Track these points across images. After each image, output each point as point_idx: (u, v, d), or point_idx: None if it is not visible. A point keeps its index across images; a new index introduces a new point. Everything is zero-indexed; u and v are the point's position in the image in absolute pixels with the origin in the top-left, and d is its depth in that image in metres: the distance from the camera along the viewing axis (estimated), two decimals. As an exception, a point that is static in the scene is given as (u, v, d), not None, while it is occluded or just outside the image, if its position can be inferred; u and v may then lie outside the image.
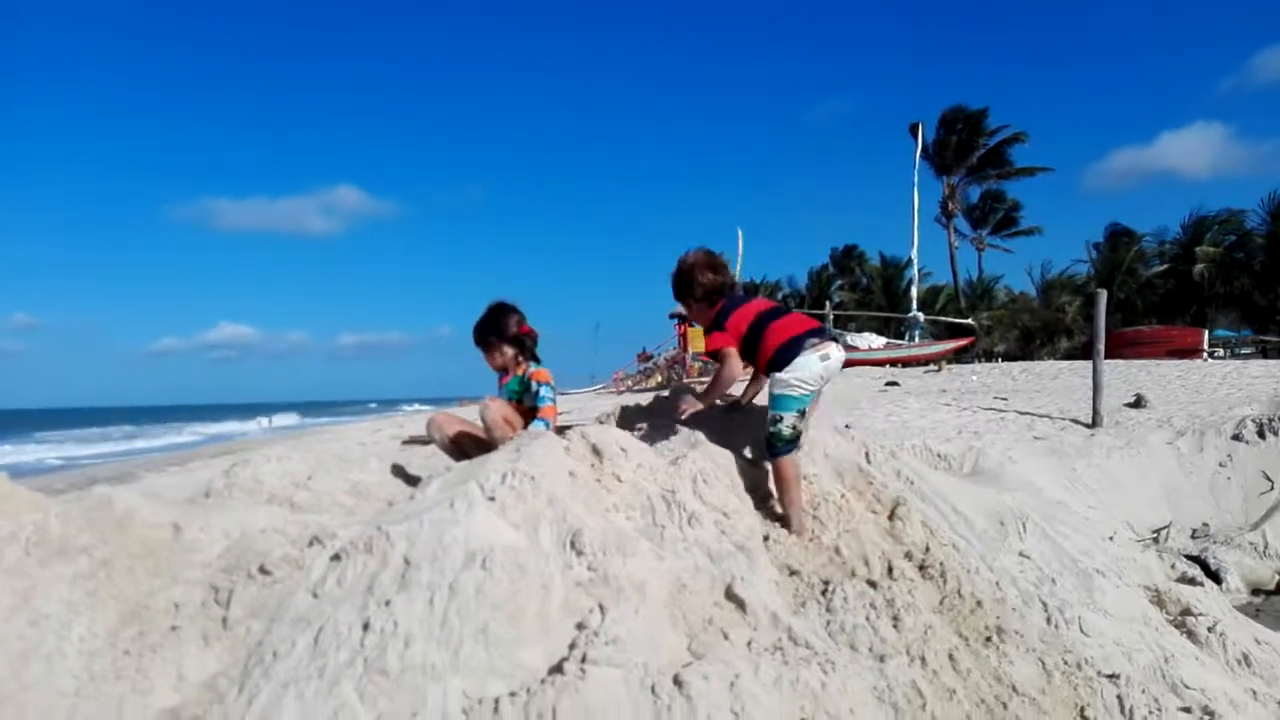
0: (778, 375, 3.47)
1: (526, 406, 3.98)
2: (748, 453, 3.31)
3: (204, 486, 3.44)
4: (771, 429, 3.40)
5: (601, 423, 3.59)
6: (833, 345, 3.55)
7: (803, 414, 3.47)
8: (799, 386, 3.43)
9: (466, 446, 3.84)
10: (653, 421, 3.43)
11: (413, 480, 3.90)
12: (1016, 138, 48.83)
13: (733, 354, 3.58)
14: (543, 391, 3.91)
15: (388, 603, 2.28)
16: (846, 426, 10.20)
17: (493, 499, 2.57)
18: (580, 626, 2.31)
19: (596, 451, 2.92)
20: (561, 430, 3.42)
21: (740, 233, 38.85)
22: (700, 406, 3.67)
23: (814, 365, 3.46)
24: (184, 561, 2.62)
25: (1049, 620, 3.21)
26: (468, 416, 4.24)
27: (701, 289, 3.75)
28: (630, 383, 41.17)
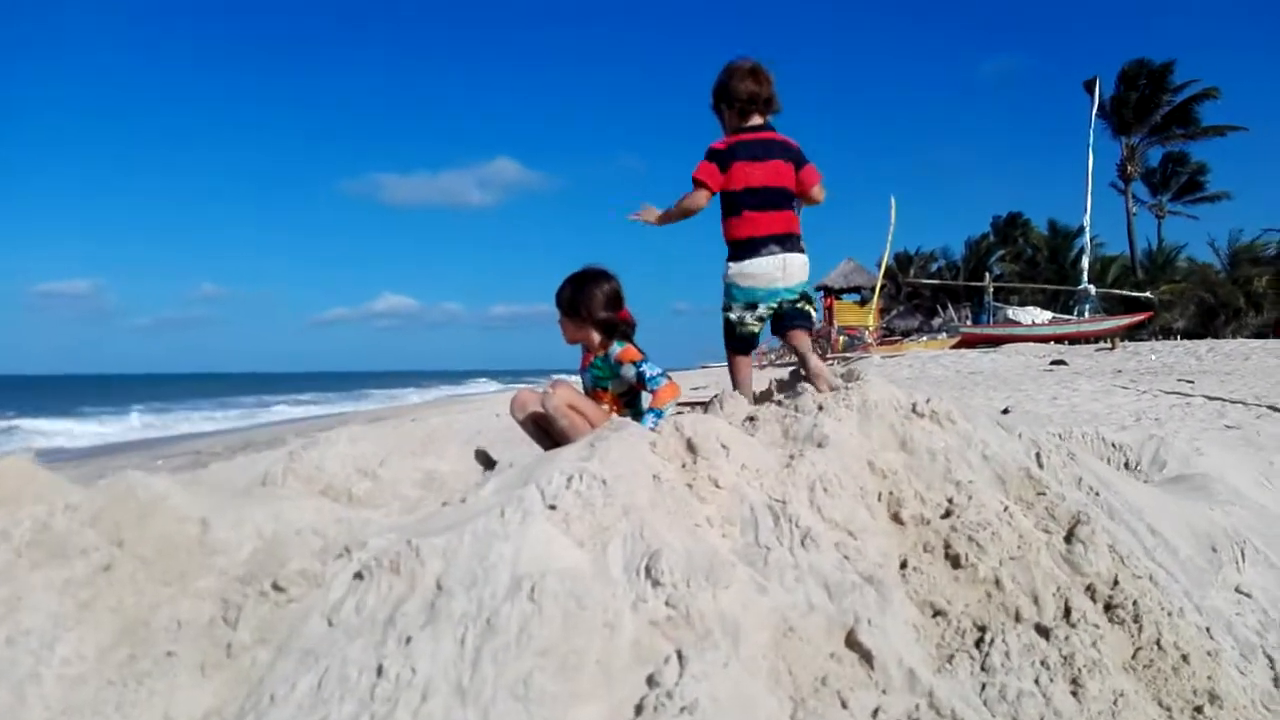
0: (729, 266, 3.59)
1: (615, 393, 3.44)
2: (884, 452, 2.69)
3: (263, 472, 3.10)
4: (724, 318, 3.64)
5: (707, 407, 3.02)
6: (793, 257, 3.58)
7: (753, 306, 3.57)
8: (746, 282, 3.55)
9: (550, 429, 3.35)
10: (768, 408, 2.85)
11: (494, 469, 3.46)
12: (1207, 94, 44.68)
13: (705, 195, 3.57)
14: (648, 371, 3.33)
15: (409, 640, 1.81)
16: (1005, 410, 9.27)
17: (553, 508, 2.06)
18: (651, 682, 1.78)
19: (691, 448, 2.37)
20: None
21: (893, 200, 37.31)
22: (654, 217, 3.68)
23: (764, 268, 3.54)
24: (201, 567, 2.23)
25: (1277, 681, 2.48)
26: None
27: (731, 95, 3.60)
28: (773, 356, 40.34)
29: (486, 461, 3.34)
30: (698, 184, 3.55)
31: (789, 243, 3.58)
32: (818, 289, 41.07)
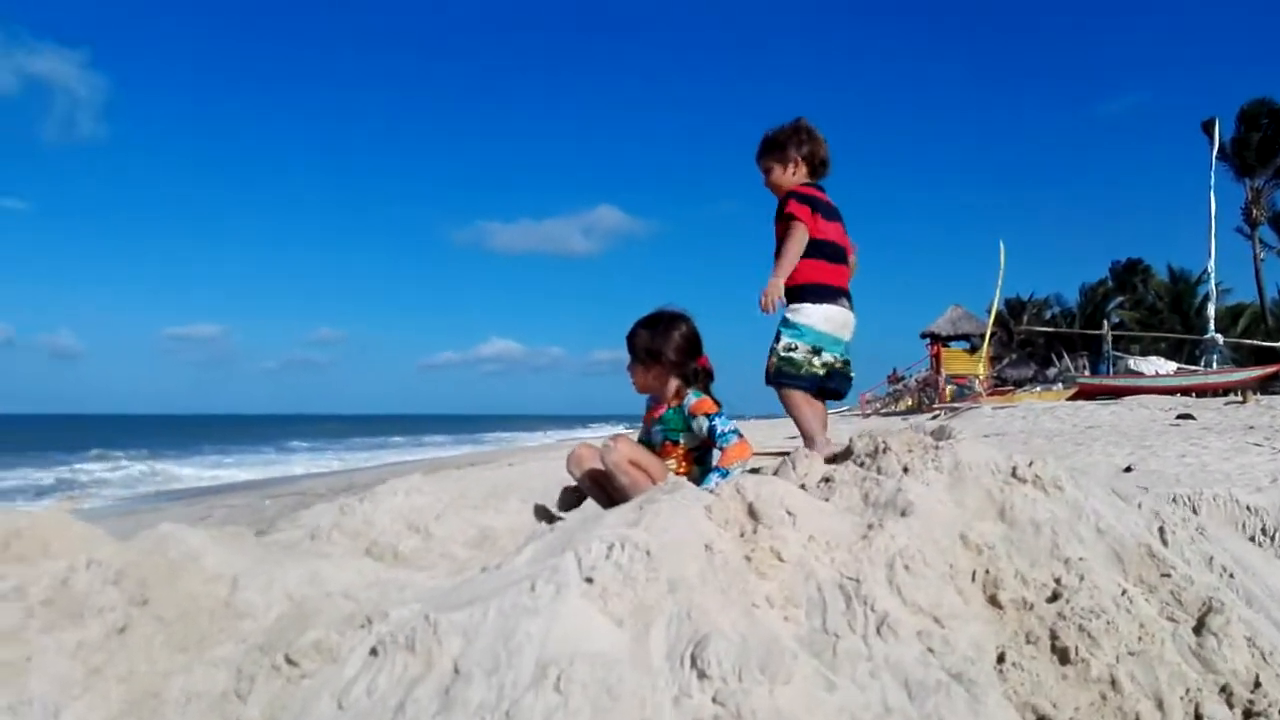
0: (805, 305, 3.42)
1: (687, 448, 3.18)
2: (979, 522, 2.37)
3: (312, 526, 2.97)
4: (784, 354, 3.39)
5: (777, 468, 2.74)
6: (853, 316, 3.58)
7: (818, 351, 3.41)
8: (824, 326, 3.42)
9: (610, 488, 3.11)
10: (846, 469, 2.56)
11: (555, 521, 3.25)
12: (1335, 134, 42.05)
13: (806, 231, 3.41)
14: (719, 425, 3.05)
15: (418, 731, 1.60)
16: (1128, 469, 8.61)
17: (590, 581, 1.83)
18: (692, 794, 1.53)
19: (753, 514, 2.11)
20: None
21: (1002, 246, 36.21)
22: (779, 290, 3.35)
23: (842, 317, 3.48)
24: (223, 631, 2.08)
25: None
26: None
27: (810, 152, 3.58)
28: (878, 405, 39.26)
29: (546, 517, 3.14)
30: (797, 220, 3.44)
31: (852, 301, 3.61)
32: (923, 336, 39.97)
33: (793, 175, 3.61)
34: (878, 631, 1.87)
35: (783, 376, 3.41)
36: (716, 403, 3.18)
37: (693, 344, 3.23)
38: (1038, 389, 32.15)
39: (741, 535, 2.04)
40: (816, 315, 3.42)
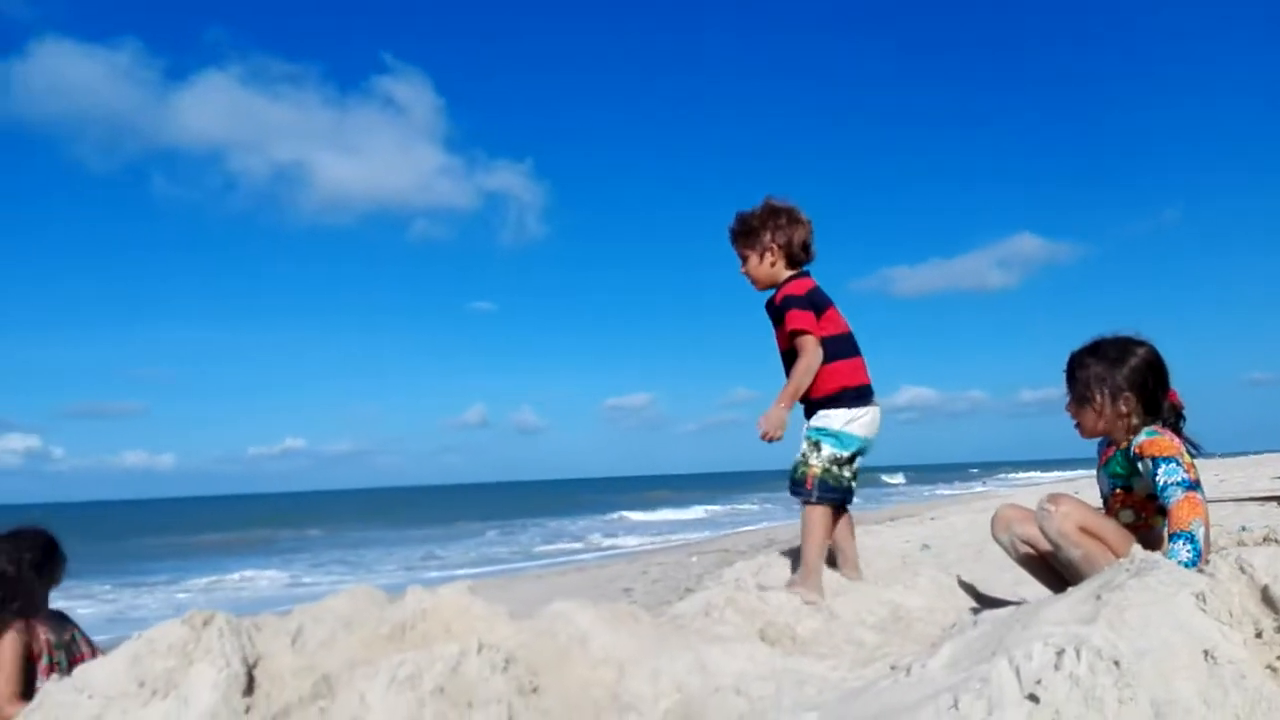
0: (834, 411, 3.04)
1: (1140, 496, 2.47)
2: None
3: (705, 601, 2.74)
4: (829, 466, 2.98)
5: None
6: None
7: (851, 460, 3.04)
8: (864, 431, 3.05)
9: (1053, 561, 2.50)
10: None
11: (985, 603, 2.72)
12: None
13: (817, 345, 3.02)
14: (1165, 475, 2.30)
15: None
16: None
17: (1034, 700, 1.37)
18: None
19: (1269, 602, 1.50)
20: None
21: None
22: (780, 422, 2.93)
23: (875, 418, 3.10)
24: (605, 729, 1.90)
25: None
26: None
27: (788, 239, 3.15)
28: None
29: (975, 597, 2.64)
30: (805, 334, 3.03)
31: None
32: None
33: (771, 266, 3.19)
34: None
35: (826, 490, 2.97)
36: (1175, 444, 2.42)
37: (1157, 372, 2.54)
38: None
39: (1258, 635, 1.45)
40: (851, 421, 3.04)
